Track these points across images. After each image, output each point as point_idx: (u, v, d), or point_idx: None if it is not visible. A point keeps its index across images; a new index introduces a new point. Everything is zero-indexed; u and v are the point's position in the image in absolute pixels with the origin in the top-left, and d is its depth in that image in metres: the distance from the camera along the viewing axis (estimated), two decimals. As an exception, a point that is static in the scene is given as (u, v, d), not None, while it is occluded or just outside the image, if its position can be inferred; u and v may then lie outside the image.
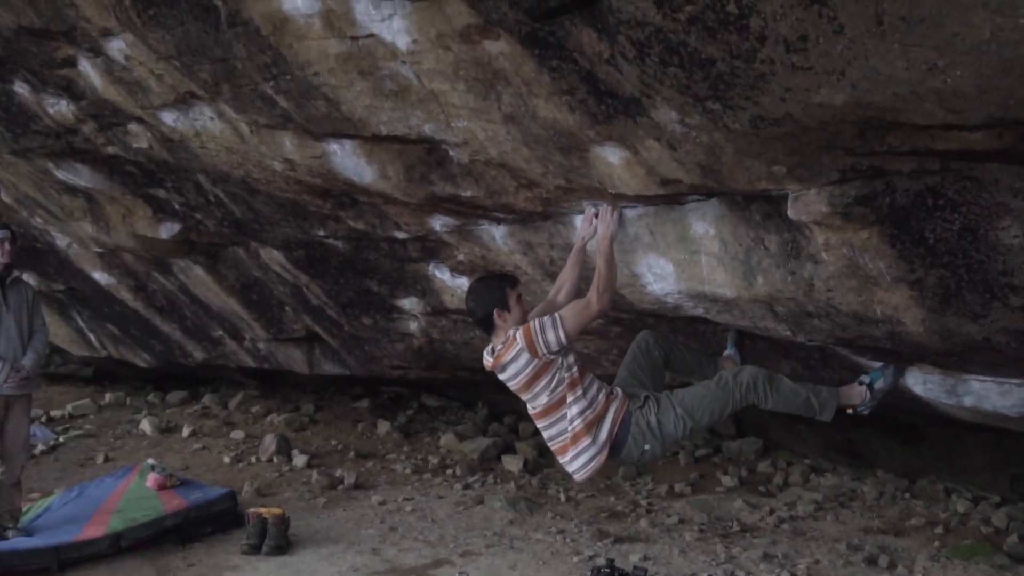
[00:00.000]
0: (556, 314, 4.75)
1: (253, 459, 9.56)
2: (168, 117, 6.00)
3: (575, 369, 4.86)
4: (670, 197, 4.89)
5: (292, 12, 4.48)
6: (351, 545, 7.10)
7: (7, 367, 6.73)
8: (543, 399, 4.87)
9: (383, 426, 10.68)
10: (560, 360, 4.80)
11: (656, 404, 4.91)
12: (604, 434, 4.85)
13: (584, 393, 4.84)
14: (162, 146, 6.45)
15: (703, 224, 5.05)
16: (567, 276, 5.34)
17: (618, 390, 4.99)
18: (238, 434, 10.48)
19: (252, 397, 12.07)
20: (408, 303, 7.74)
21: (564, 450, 4.94)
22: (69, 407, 11.82)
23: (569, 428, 4.87)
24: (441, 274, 6.93)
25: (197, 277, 8.91)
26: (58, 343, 11.84)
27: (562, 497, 8.19)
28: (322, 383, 11.94)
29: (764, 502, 7.99)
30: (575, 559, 6.70)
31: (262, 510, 7.14)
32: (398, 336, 8.27)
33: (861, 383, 5.25)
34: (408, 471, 9.12)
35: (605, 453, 4.89)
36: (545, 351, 4.71)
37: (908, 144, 3.68)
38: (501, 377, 4.94)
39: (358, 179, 5.74)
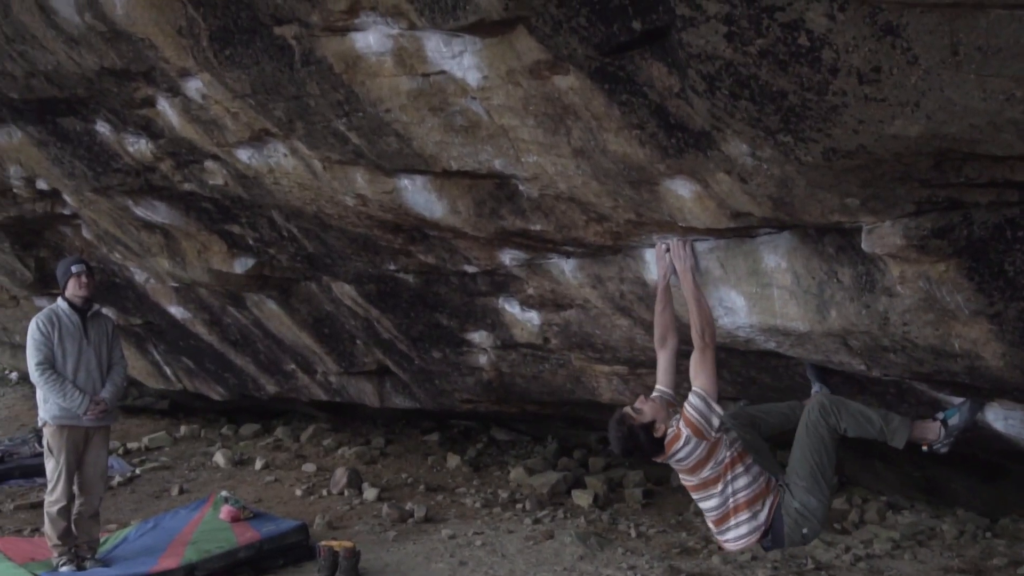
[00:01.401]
0: (700, 391, 4.80)
1: (324, 492, 9.61)
2: (243, 154, 6.09)
3: (737, 444, 4.94)
4: (741, 230, 4.85)
5: (364, 51, 4.54)
6: (421, 579, 7.10)
7: (87, 399, 6.84)
8: (707, 473, 4.91)
9: (453, 459, 10.68)
10: (725, 437, 4.88)
11: (788, 490, 4.96)
12: (763, 514, 4.92)
13: (747, 470, 4.91)
14: (237, 183, 6.54)
15: (775, 257, 5.01)
16: (666, 322, 5.36)
17: (773, 479, 5.04)
18: (310, 467, 10.55)
19: (323, 430, 12.16)
20: (478, 337, 7.75)
21: (724, 520, 4.99)
22: (145, 439, 12.00)
23: (731, 501, 4.92)
24: (511, 308, 6.94)
25: (270, 311, 9.01)
26: (135, 376, 12.02)
27: (632, 532, 8.11)
28: (392, 416, 11.99)
29: (840, 540, 7.83)
30: (646, 596, 6.63)
31: (333, 543, 7.17)
32: (468, 370, 8.28)
33: (936, 419, 5.19)
34: (478, 505, 9.10)
35: (759, 533, 4.95)
36: (712, 431, 4.78)
37: (986, 175, 3.62)
38: (672, 462, 4.99)
39: (428, 214, 5.78)
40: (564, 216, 5.32)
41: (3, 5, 5.50)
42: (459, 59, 4.29)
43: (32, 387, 7.72)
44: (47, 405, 6.89)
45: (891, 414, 5.11)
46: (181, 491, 9.85)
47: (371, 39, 4.46)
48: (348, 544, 7.18)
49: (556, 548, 7.68)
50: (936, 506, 8.53)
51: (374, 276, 7.44)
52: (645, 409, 4.92)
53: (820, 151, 3.66)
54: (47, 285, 10.21)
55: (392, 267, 7.13)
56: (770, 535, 4.97)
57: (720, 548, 5.27)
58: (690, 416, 4.78)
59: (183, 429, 12.56)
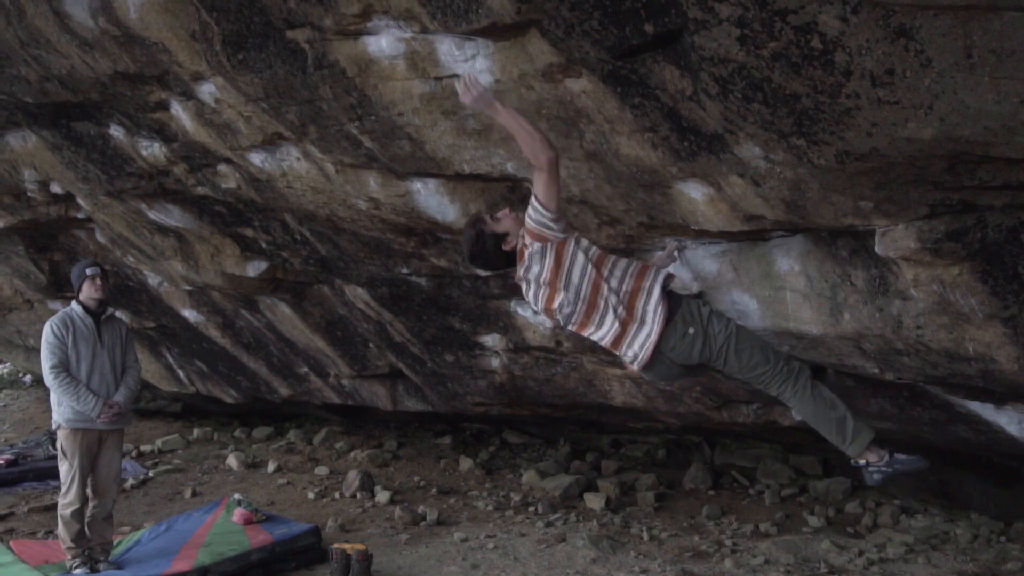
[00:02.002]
0: (532, 199, 4.50)
1: (337, 495, 9.61)
2: (256, 158, 6.11)
3: (595, 248, 4.66)
4: (754, 233, 4.84)
5: (377, 54, 4.55)
6: (433, 582, 7.10)
7: (101, 403, 6.86)
8: (577, 288, 4.66)
9: (465, 463, 10.68)
10: (573, 239, 4.59)
11: (712, 310, 4.72)
12: (650, 305, 4.64)
13: (614, 266, 4.64)
14: (250, 186, 6.56)
15: (788, 260, 5.00)
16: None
17: (655, 268, 4.77)
18: (322, 470, 10.56)
19: (336, 433, 12.16)
20: (490, 340, 7.75)
21: (618, 343, 4.77)
22: (158, 442, 12.02)
23: (615, 319, 4.69)
24: (523, 311, 6.95)
25: (283, 314, 9.03)
26: (148, 379, 12.05)
27: (645, 536, 8.10)
28: (405, 419, 11.99)
29: (853, 543, 7.79)
30: (659, 599, 6.61)
31: (345, 546, 7.17)
32: (480, 373, 8.29)
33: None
34: (490, 508, 9.09)
35: (659, 327, 4.63)
36: (554, 232, 4.51)
37: (1000, 178, 3.61)
38: (529, 283, 4.77)
39: (441, 217, 5.79)
40: (577, 219, 5.33)
41: (18, 10, 5.52)
42: (471, 63, 4.30)
43: (46, 390, 7.73)
44: (61, 408, 6.90)
45: (860, 419, 4.90)
46: (194, 494, 9.86)
47: (383, 43, 4.47)
48: (360, 547, 7.18)
49: (568, 551, 7.66)
50: (950, 510, 8.49)
51: (387, 279, 7.46)
52: (504, 220, 4.70)
53: (833, 154, 3.66)
54: (61, 288, 10.25)
55: (404, 270, 7.14)
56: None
57: (625, 369, 4.91)
58: (529, 224, 4.52)
59: (196, 432, 12.58)
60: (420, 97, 4.71)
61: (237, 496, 8.75)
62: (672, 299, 4.68)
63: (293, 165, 6.01)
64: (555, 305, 4.73)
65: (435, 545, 7.97)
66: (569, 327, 4.85)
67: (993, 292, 4.19)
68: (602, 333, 4.77)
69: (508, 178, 5.18)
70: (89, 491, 7.02)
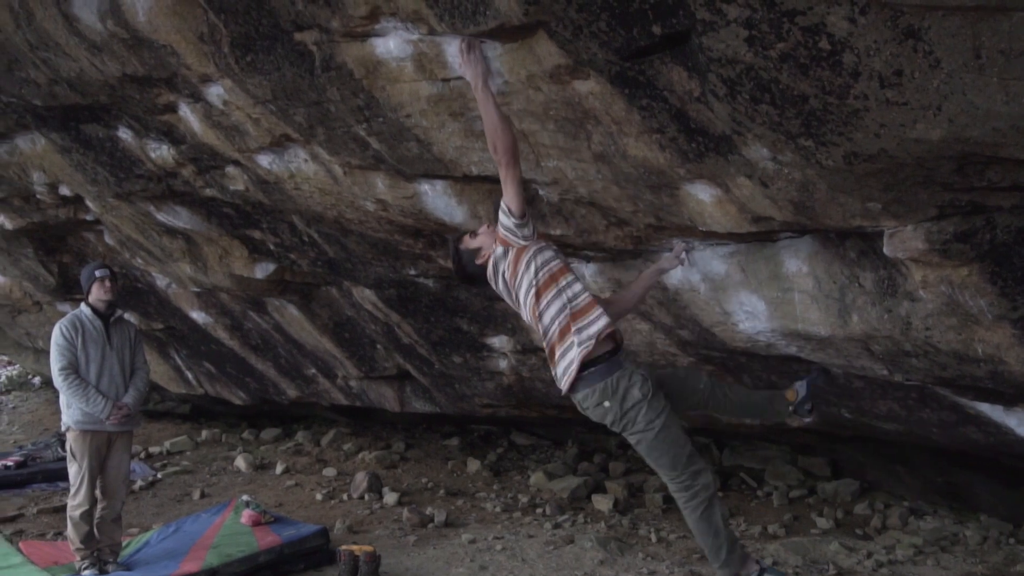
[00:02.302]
0: (500, 205, 4.66)
1: (345, 496, 9.62)
2: (264, 160, 6.11)
3: (553, 264, 4.71)
4: (762, 234, 4.84)
5: (385, 56, 4.55)
6: (442, 584, 7.10)
7: (110, 404, 6.88)
8: (524, 297, 4.75)
9: (473, 464, 10.68)
10: (533, 250, 4.69)
11: (649, 380, 4.75)
12: (581, 338, 4.66)
13: (558, 295, 4.68)
14: (258, 188, 6.57)
15: (796, 261, 4.99)
16: (627, 291, 5.36)
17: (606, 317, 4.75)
18: (330, 471, 10.57)
19: (344, 434, 12.18)
20: (498, 341, 7.75)
21: (552, 360, 4.83)
22: (167, 444, 12.05)
23: (548, 334, 4.75)
24: (531, 313, 6.94)
25: (291, 316, 9.04)
26: (157, 381, 12.08)
27: (653, 538, 8.09)
28: (413, 421, 12.00)
29: (861, 545, 7.78)
30: (667, 601, 6.61)
31: (354, 547, 7.17)
32: (488, 374, 8.29)
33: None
34: (498, 509, 9.09)
35: (580, 358, 4.66)
36: (518, 239, 4.68)
37: (1009, 179, 3.60)
38: (499, 284, 4.90)
39: (449, 219, 5.79)
40: (584, 221, 5.32)
41: (26, 13, 5.54)
42: (486, 65, 4.29)
43: (55, 392, 7.76)
44: (70, 410, 6.92)
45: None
46: (202, 495, 9.87)
47: (391, 44, 4.47)
48: (368, 548, 7.18)
49: (576, 553, 7.66)
50: (959, 512, 8.47)
51: (394, 281, 7.46)
52: (480, 236, 4.92)
53: (841, 155, 3.65)
54: (70, 290, 10.28)
55: (412, 272, 7.14)
56: (586, 372, 4.70)
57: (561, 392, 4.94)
58: (500, 231, 4.72)
59: (204, 434, 12.61)
60: (428, 99, 4.71)
61: (245, 498, 8.76)
62: (609, 364, 4.71)
63: (301, 167, 6.01)
64: (517, 297, 4.89)
65: (443, 547, 7.97)
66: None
67: (1002, 293, 4.18)
68: (545, 345, 4.89)
69: (516, 180, 5.18)
70: (98, 492, 7.04)
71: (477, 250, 4.88)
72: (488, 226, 4.94)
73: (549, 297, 4.70)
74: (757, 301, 5.32)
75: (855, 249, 4.71)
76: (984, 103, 3.08)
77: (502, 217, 4.66)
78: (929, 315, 4.57)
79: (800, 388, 5.26)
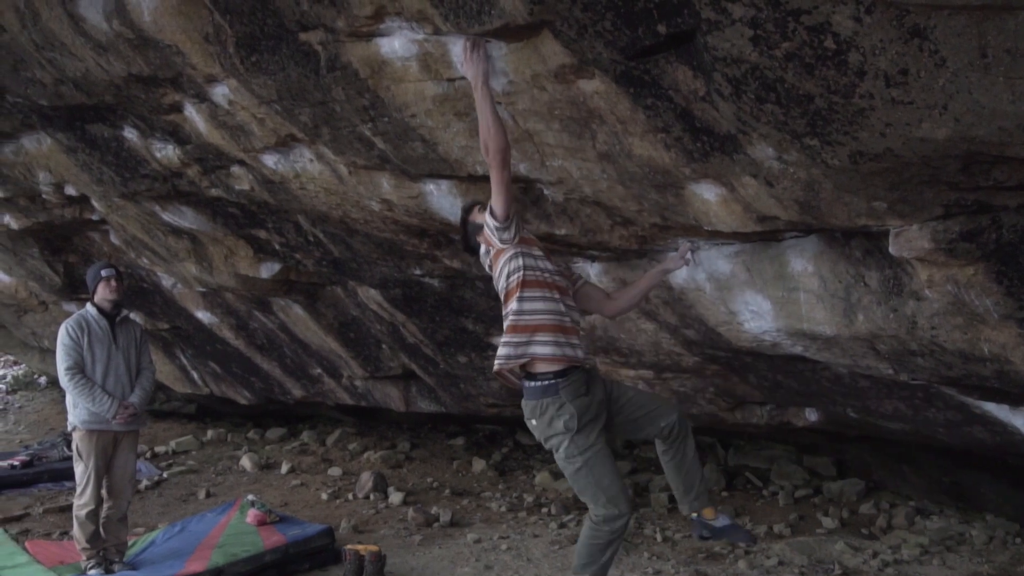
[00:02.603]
0: (488, 204, 4.65)
1: (350, 496, 9.63)
2: (269, 160, 6.12)
3: (517, 276, 4.64)
4: (767, 234, 4.84)
5: (390, 56, 4.56)
6: (447, 583, 7.10)
7: (116, 404, 6.88)
8: (502, 284, 4.72)
9: (478, 464, 10.68)
10: (508, 255, 4.65)
11: (572, 434, 4.68)
12: (512, 352, 4.67)
13: (519, 302, 4.63)
14: (263, 188, 6.58)
15: (801, 261, 4.99)
16: (630, 288, 5.30)
17: (579, 342, 4.74)
18: (335, 471, 10.58)
19: (349, 434, 12.19)
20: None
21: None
22: (172, 443, 12.06)
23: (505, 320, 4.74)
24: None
25: (296, 316, 9.04)
26: (162, 380, 12.09)
27: (658, 537, 8.09)
28: (418, 420, 12.00)
29: (867, 545, 7.77)
30: (672, 601, 6.61)
31: (359, 547, 7.17)
32: (493, 374, 8.29)
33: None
34: (503, 509, 9.10)
35: (509, 366, 4.72)
36: (495, 242, 4.67)
37: (1015, 178, 3.60)
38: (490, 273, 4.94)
39: (454, 218, 5.79)
40: (589, 220, 5.33)
41: (32, 13, 5.55)
42: (488, 64, 4.29)
43: (61, 392, 7.78)
44: (76, 410, 6.93)
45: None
46: (208, 495, 9.89)
47: (396, 44, 4.47)
48: (374, 548, 7.19)
49: (582, 552, 7.66)
50: (965, 511, 8.46)
51: (400, 281, 7.47)
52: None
53: (847, 154, 3.65)
54: (76, 290, 10.29)
55: (417, 272, 7.15)
56: (530, 386, 4.74)
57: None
58: (484, 230, 4.73)
59: (210, 433, 12.62)
60: (433, 99, 4.72)
61: (251, 497, 8.77)
62: (546, 387, 4.68)
63: (306, 167, 6.02)
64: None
65: (448, 546, 7.98)
66: None
67: (1008, 292, 4.17)
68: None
69: (520, 179, 5.18)
70: (104, 492, 7.05)
71: (480, 227, 4.83)
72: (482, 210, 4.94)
73: (510, 305, 4.69)
74: (762, 301, 5.32)
75: (860, 248, 4.71)
76: (990, 102, 3.07)
77: (488, 219, 4.65)
78: (935, 314, 4.56)
79: (722, 519, 5.13)
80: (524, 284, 4.63)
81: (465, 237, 5.04)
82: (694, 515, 5.09)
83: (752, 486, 9.66)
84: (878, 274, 4.69)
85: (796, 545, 7.74)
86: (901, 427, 6.42)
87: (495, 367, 4.79)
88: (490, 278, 4.93)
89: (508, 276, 4.65)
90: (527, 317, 4.64)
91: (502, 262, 4.67)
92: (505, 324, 4.72)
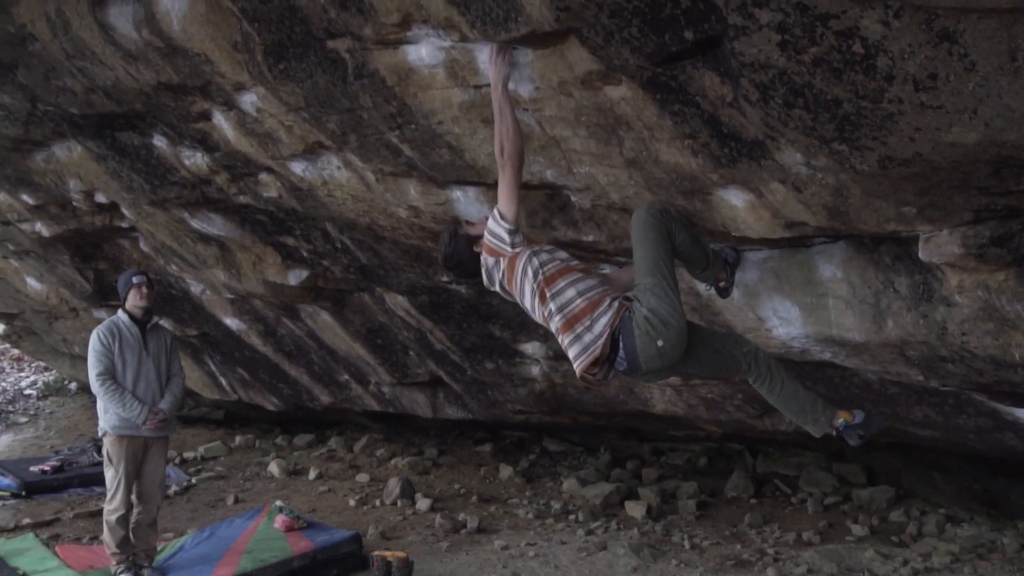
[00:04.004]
0: (494, 210, 4.60)
1: (377, 502, 9.65)
2: (297, 167, 6.15)
3: (553, 265, 4.60)
4: (796, 240, 4.81)
5: (417, 63, 4.57)
6: (474, 590, 7.11)
7: (145, 409, 6.93)
8: (528, 292, 4.65)
9: (505, 470, 10.68)
10: (527, 251, 4.60)
11: (637, 300, 4.52)
12: (600, 326, 4.52)
13: (573, 283, 4.58)
14: (291, 195, 6.61)
15: (830, 267, 4.96)
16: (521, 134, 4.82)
17: (610, 299, 4.59)
18: (363, 477, 10.60)
19: (377, 440, 12.21)
20: (531, 348, 7.75)
21: (565, 332, 4.63)
22: (201, 449, 12.14)
23: (565, 314, 4.58)
24: (563, 318, 6.93)
25: (324, 322, 9.07)
26: (191, 386, 12.14)
27: (686, 544, 8.06)
28: (445, 427, 12.01)
29: (897, 552, 7.72)
30: (701, 608, 6.58)
31: (386, 553, 7.19)
32: (520, 381, 8.29)
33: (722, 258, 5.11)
34: (530, 516, 9.09)
35: (598, 348, 4.52)
36: (507, 248, 4.61)
37: (1046, 183, 3.57)
38: (496, 289, 4.88)
39: (481, 225, 5.79)
40: (616, 226, 5.32)
41: (63, 22, 5.60)
42: (513, 72, 4.30)
43: (91, 397, 7.83)
44: (107, 416, 6.98)
45: (712, 250, 4.94)
46: (236, 500, 9.93)
47: (423, 52, 4.48)
48: (401, 554, 7.20)
49: (609, 560, 7.64)
50: (996, 519, 8.38)
51: (427, 287, 7.48)
52: (479, 225, 4.81)
53: (876, 159, 3.63)
54: (106, 297, 10.37)
55: (445, 278, 7.15)
56: (622, 353, 4.52)
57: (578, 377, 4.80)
58: (487, 241, 4.65)
59: (238, 439, 12.69)
60: (460, 105, 4.72)
61: (279, 503, 8.81)
62: (623, 334, 4.53)
63: (334, 174, 6.04)
64: (523, 303, 4.78)
65: (476, 553, 7.98)
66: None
67: (1040, 298, 4.14)
68: (555, 328, 4.73)
69: (547, 185, 5.18)
70: (134, 497, 7.09)
71: (477, 238, 4.77)
72: (487, 218, 4.78)
73: (553, 292, 4.58)
74: (791, 307, 5.29)
75: (890, 254, 4.68)
76: (1020, 106, 3.05)
77: (492, 224, 4.60)
78: (965, 320, 4.52)
79: (858, 416, 4.98)
80: (550, 280, 4.59)
81: (455, 253, 4.89)
82: (834, 431, 4.84)
83: (781, 493, 9.61)
84: (908, 280, 4.66)
85: (825, 553, 7.69)
86: (931, 434, 6.37)
87: (578, 372, 4.66)
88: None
89: (534, 278, 4.60)
90: (572, 307, 4.57)
91: (520, 266, 4.61)
92: (556, 326, 4.62)
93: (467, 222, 4.92)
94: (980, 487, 8.45)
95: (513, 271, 4.66)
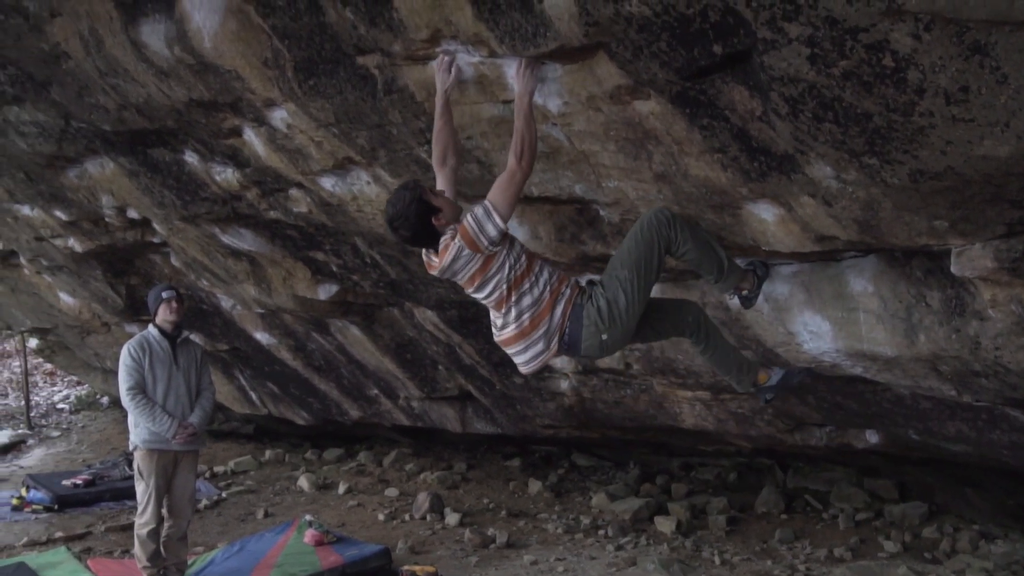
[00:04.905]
0: (486, 202, 4.36)
1: (407, 516, 9.66)
2: (327, 182, 6.18)
3: (523, 260, 4.54)
4: (826, 254, 4.80)
5: (453, 76, 4.58)
6: (503, 605, 7.10)
7: (175, 424, 6.97)
8: (489, 295, 4.57)
9: (534, 485, 10.66)
10: (503, 253, 4.48)
11: (601, 286, 4.55)
12: (545, 329, 4.55)
13: (532, 286, 4.52)
14: (321, 210, 6.64)
15: (861, 281, 4.94)
16: (445, 139, 4.68)
17: (566, 287, 4.60)
18: (392, 491, 10.61)
19: (406, 455, 12.22)
20: (559, 362, 7.75)
21: (508, 345, 4.68)
22: (231, 463, 12.19)
23: (513, 326, 4.58)
24: (592, 333, 6.92)
25: (354, 337, 9.10)
26: (221, 401, 12.19)
27: (717, 560, 8.02)
28: (474, 441, 12.01)
29: (930, 569, 7.64)
30: (731, 625, 6.54)
31: (415, 568, 7.20)
32: (549, 395, 8.28)
33: (750, 270, 4.99)
34: (560, 531, 9.07)
35: (553, 350, 4.61)
36: (487, 245, 4.39)
37: (1079, 196, 3.54)
38: (446, 277, 4.65)
39: (510, 239, 5.80)
40: (645, 240, 5.30)
41: (96, 40, 5.66)
42: (540, 85, 4.31)
43: (123, 412, 7.88)
44: (138, 430, 7.03)
45: (733, 260, 4.78)
46: (266, 514, 9.97)
47: (456, 65, 4.50)
48: (430, 569, 7.21)
49: (639, 575, 7.62)
50: (1032, 536, 8.30)
51: (455, 302, 7.49)
52: (441, 199, 4.50)
53: (907, 173, 3.61)
54: (137, 312, 10.44)
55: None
56: (566, 338, 4.56)
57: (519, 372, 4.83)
58: (467, 226, 4.36)
59: (268, 453, 12.73)
60: (489, 120, 4.74)
61: (308, 517, 8.84)
62: (572, 320, 4.56)
63: (363, 189, 6.07)
64: (470, 290, 4.67)
65: (505, 568, 7.97)
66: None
67: (1074, 312, 4.10)
68: (499, 325, 4.71)
69: (576, 200, 5.19)
70: (165, 511, 7.13)
71: (437, 211, 4.47)
72: (448, 196, 4.61)
73: (520, 290, 4.53)
74: (821, 321, 5.27)
75: (921, 268, 4.65)
76: (1053, 119, 3.03)
77: (482, 216, 4.36)
78: (999, 334, 4.49)
79: (775, 376, 4.99)
80: (514, 284, 4.53)
81: (408, 216, 4.45)
82: (752, 388, 5.01)
83: (812, 509, 9.54)
84: (940, 294, 4.63)
85: (857, 569, 7.63)
86: (964, 449, 6.32)
87: (525, 372, 4.79)
88: None
89: (509, 271, 4.49)
90: (529, 312, 4.56)
91: (497, 263, 4.48)
92: (509, 333, 4.64)
93: (432, 190, 4.57)
94: (1014, 503, 8.37)
95: (489, 266, 4.48)
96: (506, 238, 4.50)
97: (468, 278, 4.56)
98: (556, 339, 4.61)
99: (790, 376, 5.03)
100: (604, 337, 4.55)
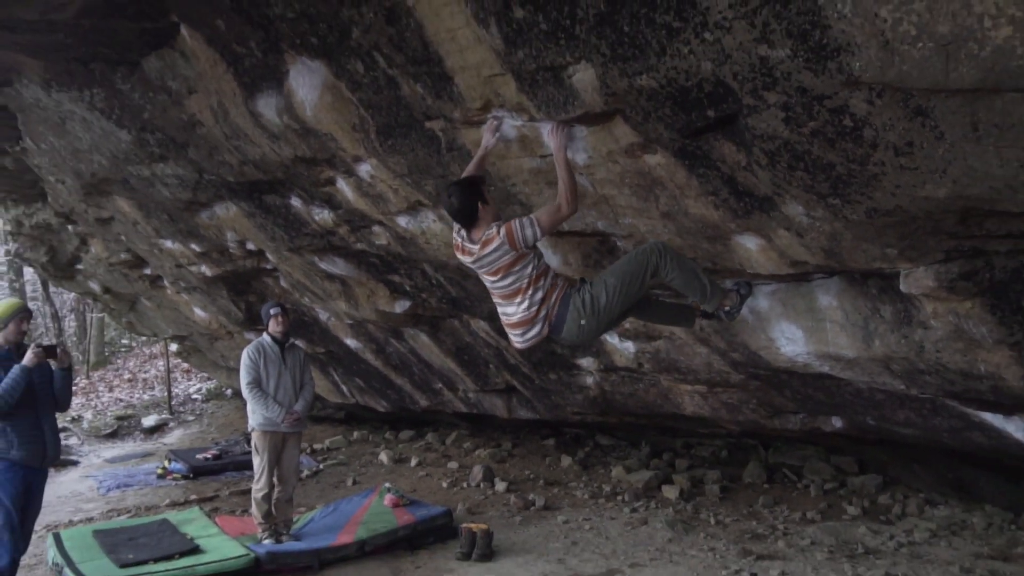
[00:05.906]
0: (533, 216, 4.36)
1: (465, 484, 9.63)
2: (402, 220, 6.20)
3: (541, 264, 4.54)
4: (799, 275, 4.75)
5: (496, 138, 4.60)
6: (541, 555, 7.04)
7: (284, 411, 7.02)
8: (507, 284, 4.53)
9: (566, 460, 10.59)
10: (531, 255, 4.47)
11: (591, 284, 4.52)
12: (544, 313, 4.54)
13: (542, 285, 4.52)
14: (397, 243, 6.67)
15: (827, 297, 4.89)
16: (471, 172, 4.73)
17: (564, 284, 4.59)
18: (453, 464, 10.60)
19: (464, 436, 12.20)
20: (586, 362, 7.72)
21: (515, 327, 4.65)
22: (327, 442, 12.23)
23: (524, 312, 4.55)
24: (612, 339, 6.90)
25: (423, 342, 9.12)
26: (319, 393, 12.23)
27: (712, 521, 7.92)
28: (518, 425, 11.96)
29: (885, 529, 7.50)
30: (723, 572, 6.45)
31: (472, 525, 7.18)
32: (578, 388, 8.24)
33: (734, 290, 4.79)
34: (586, 496, 9.01)
35: (545, 331, 4.58)
36: (523, 245, 4.37)
37: (1004, 228, 3.49)
38: (473, 264, 4.59)
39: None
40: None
41: (223, 111, 5.74)
42: (570, 143, 4.32)
43: (243, 401, 7.95)
44: (254, 415, 7.08)
45: (716, 285, 4.63)
46: (354, 482, 9.99)
47: (501, 129, 4.52)
48: (484, 526, 7.18)
49: (649, 532, 7.55)
50: (967, 502, 8.11)
51: (503, 314, 7.47)
52: (490, 204, 4.50)
53: (864, 211, 3.58)
54: (254, 323, 10.52)
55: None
56: (554, 320, 4.53)
57: (512, 346, 4.81)
58: (513, 226, 4.34)
59: (355, 434, 12.76)
60: (529, 171, 4.75)
61: (387, 485, 8.84)
62: (560, 305, 4.53)
63: (430, 226, 6.09)
64: (492, 278, 4.60)
65: (542, 526, 7.93)
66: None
67: (1000, 322, 4.03)
68: (506, 312, 4.68)
69: (599, 233, 5.18)
70: (275, 479, 7.18)
71: (485, 202, 4.47)
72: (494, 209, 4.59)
73: (535, 287, 4.52)
74: (796, 329, 5.21)
75: (876, 287, 4.59)
76: (982, 167, 2.99)
77: (527, 223, 4.35)
78: (939, 340, 4.42)
79: (734, 303, 4.73)
80: (532, 281, 4.52)
81: (464, 193, 4.43)
82: (719, 310, 4.70)
83: (789, 480, 9.41)
84: (891, 307, 4.57)
85: (825, 528, 7.52)
86: (912, 432, 6.21)
87: (521, 347, 4.76)
88: None
89: (530, 270, 4.48)
90: (545, 297, 4.55)
91: (523, 262, 4.46)
92: (520, 316, 4.60)
93: (487, 191, 4.60)
94: (953, 476, 8.20)
95: (517, 263, 4.46)
96: (535, 248, 4.52)
97: (496, 268, 4.51)
98: (548, 322, 4.58)
99: (740, 288, 4.85)
100: (583, 323, 4.51)
